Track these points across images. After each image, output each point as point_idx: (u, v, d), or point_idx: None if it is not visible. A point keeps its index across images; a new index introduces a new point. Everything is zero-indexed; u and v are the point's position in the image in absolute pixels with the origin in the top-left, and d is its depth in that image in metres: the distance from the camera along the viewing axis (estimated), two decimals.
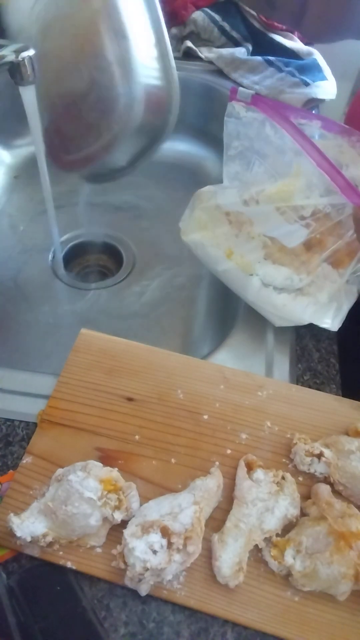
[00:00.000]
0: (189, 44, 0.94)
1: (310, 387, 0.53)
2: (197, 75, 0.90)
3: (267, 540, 0.41)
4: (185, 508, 0.40)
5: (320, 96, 0.85)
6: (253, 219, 0.57)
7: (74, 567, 0.40)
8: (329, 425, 0.49)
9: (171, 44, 0.65)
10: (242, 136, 0.59)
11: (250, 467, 0.45)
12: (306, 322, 0.55)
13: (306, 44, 0.95)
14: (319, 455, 0.45)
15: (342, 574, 0.38)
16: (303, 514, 0.43)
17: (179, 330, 0.72)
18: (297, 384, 0.53)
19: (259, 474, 0.44)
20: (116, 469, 0.43)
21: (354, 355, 0.62)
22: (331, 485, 0.45)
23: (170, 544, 0.38)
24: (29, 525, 0.39)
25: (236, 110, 0.58)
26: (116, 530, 0.41)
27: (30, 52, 0.52)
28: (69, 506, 0.39)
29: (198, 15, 0.94)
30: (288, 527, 0.42)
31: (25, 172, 0.90)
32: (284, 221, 0.54)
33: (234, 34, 0.95)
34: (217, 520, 0.43)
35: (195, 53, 0.94)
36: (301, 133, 0.53)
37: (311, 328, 0.56)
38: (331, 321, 0.55)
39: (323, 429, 0.49)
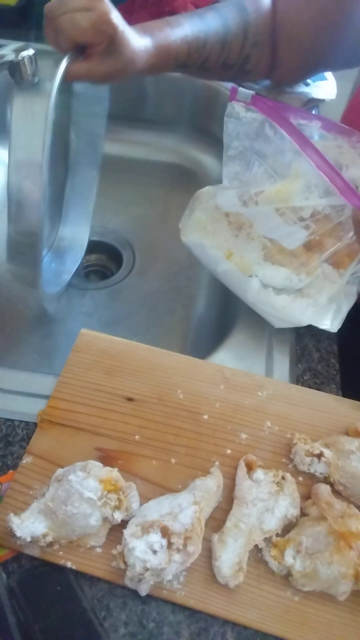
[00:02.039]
0: None
1: (310, 387, 0.53)
2: None
3: (267, 540, 0.41)
4: (185, 508, 0.40)
5: (320, 96, 0.85)
6: (252, 220, 0.57)
7: (74, 567, 0.40)
8: (329, 425, 0.50)
9: None
10: (242, 136, 0.59)
11: (250, 467, 0.45)
12: (305, 324, 0.55)
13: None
14: (319, 455, 0.45)
15: (342, 574, 0.38)
16: (303, 514, 0.43)
17: (179, 330, 0.72)
18: (297, 384, 0.53)
19: (259, 474, 0.44)
20: (116, 469, 0.43)
21: (354, 355, 0.62)
22: (331, 485, 0.45)
23: (170, 544, 0.38)
24: (29, 525, 0.39)
25: (236, 111, 0.58)
26: (116, 530, 0.41)
27: (30, 51, 0.51)
28: (69, 506, 0.39)
29: None
30: (288, 527, 0.42)
31: None
32: (284, 222, 0.54)
33: None
34: (217, 520, 0.43)
35: None
36: (300, 134, 0.54)
37: (311, 328, 0.56)
38: (330, 322, 0.55)
39: (323, 429, 0.49)
